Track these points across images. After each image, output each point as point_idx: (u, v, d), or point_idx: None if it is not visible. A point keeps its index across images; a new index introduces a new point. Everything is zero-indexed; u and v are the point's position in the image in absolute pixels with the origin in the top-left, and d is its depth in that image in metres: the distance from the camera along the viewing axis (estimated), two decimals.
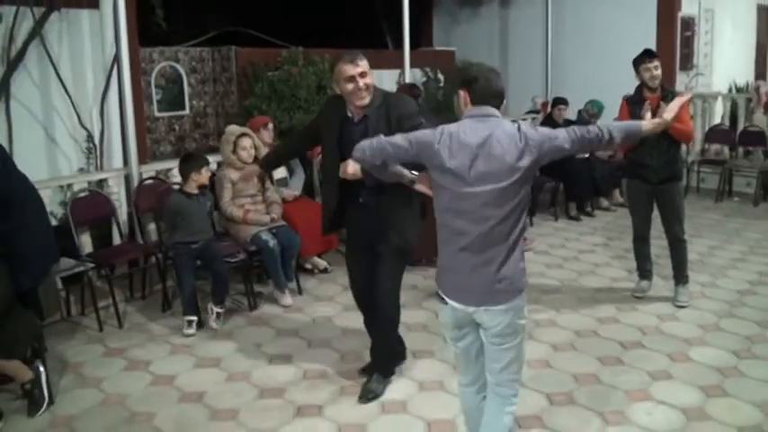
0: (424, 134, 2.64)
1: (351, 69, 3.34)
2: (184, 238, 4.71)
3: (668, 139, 4.68)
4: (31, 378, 3.64)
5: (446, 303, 2.63)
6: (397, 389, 3.83)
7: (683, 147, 8.40)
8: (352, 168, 3.07)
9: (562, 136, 2.53)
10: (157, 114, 8.10)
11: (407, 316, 4.91)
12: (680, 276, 5.06)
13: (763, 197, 8.41)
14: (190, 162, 4.80)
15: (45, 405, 3.64)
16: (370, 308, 3.78)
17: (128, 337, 4.63)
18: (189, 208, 4.74)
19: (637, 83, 4.90)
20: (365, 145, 2.80)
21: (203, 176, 4.85)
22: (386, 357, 3.87)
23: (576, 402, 3.61)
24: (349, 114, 3.50)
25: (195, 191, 4.81)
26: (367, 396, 3.70)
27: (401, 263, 3.66)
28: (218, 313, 4.80)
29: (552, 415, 3.50)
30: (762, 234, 6.94)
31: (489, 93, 2.56)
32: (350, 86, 3.35)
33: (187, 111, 8.52)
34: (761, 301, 5.06)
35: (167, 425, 3.50)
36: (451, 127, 2.56)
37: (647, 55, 4.74)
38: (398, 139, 2.71)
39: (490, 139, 2.47)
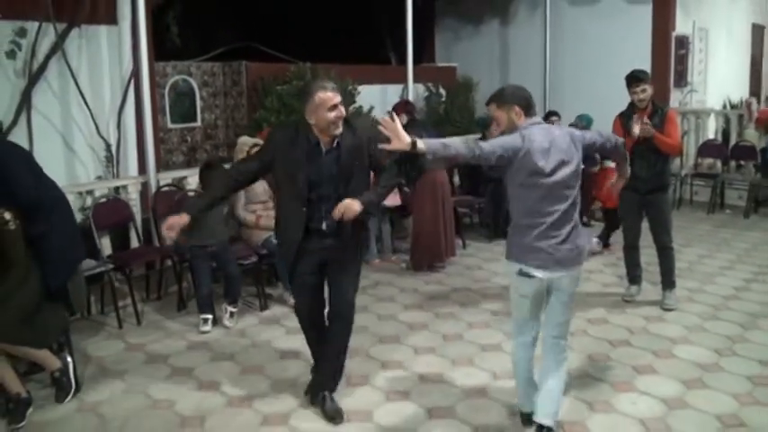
0: (511, 141, 3.14)
1: (333, 98, 3.33)
2: (201, 241, 5.01)
3: (657, 152, 5.01)
4: (59, 367, 3.92)
5: (532, 277, 3.17)
6: (407, 379, 4.10)
7: (677, 160, 8.78)
8: (358, 207, 3.38)
9: (590, 135, 3.42)
10: (170, 126, 8.44)
11: (410, 317, 5.23)
12: (667, 282, 5.34)
13: (754, 209, 8.69)
14: (211, 170, 5.08)
15: (72, 392, 3.92)
16: (320, 325, 3.82)
17: (146, 334, 4.92)
18: (206, 214, 5.02)
19: (629, 99, 5.20)
20: (437, 147, 3.06)
21: None
22: (339, 372, 3.84)
23: (566, 393, 3.87)
24: (320, 144, 3.46)
25: None
26: (340, 416, 3.67)
27: (359, 274, 3.85)
28: (231, 312, 5.09)
29: None
30: (750, 244, 7.22)
31: (533, 106, 3.28)
32: (332, 115, 3.33)
33: (199, 123, 8.85)
34: (744, 306, 5.34)
35: (188, 411, 3.78)
36: (525, 134, 3.14)
37: (633, 80, 5.01)
38: (486, 145, 3.12)
39: (554, 137, 3.17)
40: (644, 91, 4.98)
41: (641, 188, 5.11)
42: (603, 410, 3.72)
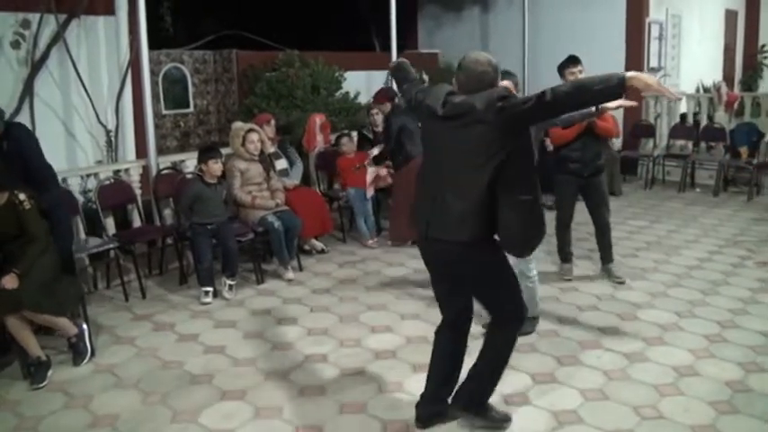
0: None
1: None
2: (202, 219, 5.39)
3: (595, 136, 5.38)
4: (77, 333, 4.28)
5: None
6: (394, 341, 4.51)
7: (650, 142, 9.20)
8: None
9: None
10: (164, 112, 8.74)
11: (399, 287, 5.61)
12: (609, 257, 5.72)
13: (723, 188, 9.16)
14: (207, 152, 5.49)
15: (88, 356, 4.29)
16: None
17: (151, 306, 5.28)
18: (207, 194, 5.40)
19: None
20: None
21: (212, 167, 5.47)
22: None
23: (537, 350, 4.29)
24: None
25: (213, 180, 5.45)
26: None
27: None
28: (230, 285, 5.47)
29: (517, 360, 4.17)
30: (717, 220, 7.68)
31: None
32: None
33: (191, 109, 9.16)
34: (706, 275, 5.78)
35: (197, 369, 4.16)
36: None
37: (571, 61, 5.24)
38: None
39: None
40: (581, 71, 5.18)
41: (583, 172, 5.39)
42: (570, 364, 4.14)
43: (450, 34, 12.62)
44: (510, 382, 3.80)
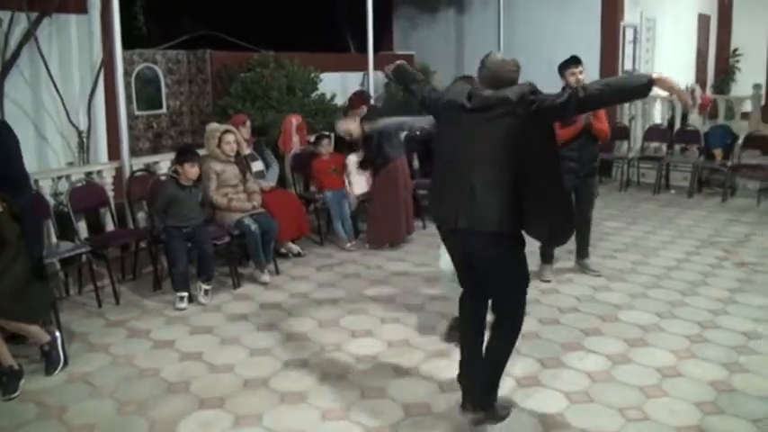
0: None
1: None
2: (177, 223, 5.28)
3: (592, 137, 5.47)
4: (49, 341, 4.14)
5: None
6: (376, 346, 4.44)
7: (624, 144, 9.27)
8: None
9: None
10: (137, 113, 8.58)
11: (379, 290, 5.55)
12: (586, 253, 5.84)
13: (698, 189, 9.24)
14: (184, 155, 5.37)
15: (62, 364, 4.15)
16: None
17: (125, 312, 5.15)
18: (181, 197, 5.29)
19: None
20: None
21: (187, 171, 5.35)
22: None
23: (519, 353, 4.23)
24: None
25: (188, 183, 5.34)
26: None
27: None
28: (206, 290, 5.35)
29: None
30: (692, 221, 7.74)
31: None
32: None
33: (164, 110, 9.01)
34: (685, 276, 5.80)
35: (173, 377, 4.05)
36: None
37: (572, 61, 5.34)
38: None
39: None
40: (581, 72, 5.30)
41: (580, 172, 5.47)
42: (554, 366, 4.11)
43: (426, 35, 12.62)
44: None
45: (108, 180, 5.94)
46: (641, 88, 2.92)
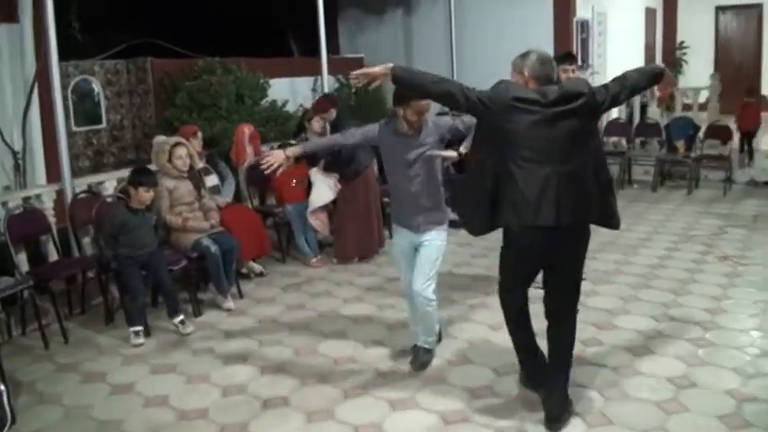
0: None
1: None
2: (129, 252, 4.72)
3: None
4: None
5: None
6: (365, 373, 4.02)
7: None
8: None
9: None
10: (75, 129, 7.93)
11: (354, 309, 5.15)
12: None
13: (661, 183, 9.14)
14: (139, 176, 4.80)
15: (9, 423, 3.59)
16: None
17: (76, 352, 4.58)
18: (134, 222, 4.75)
19: None
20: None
21: (141, 195, 4.77)
22: None
23: (517, 371, 3.88)
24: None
25: (140, 206, 4.80)
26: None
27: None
28: (181, 321, 4.86)
29: (502, 385, 3.82)
30: (663, 215, 7.59)
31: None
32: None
33: (104, 124, 8.39)
34: (672, 274, 5.60)
35: (138, 428, 3.55)
36: None
37: (566, 58, 5.12)
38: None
39: None
40: (574, 71, 5.06)
41: None
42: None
43: (373, 38, 12.26)
44: (498, 412, 3.50)
45: (48, 204, 5.37)
46: (654, 79, 3.43)
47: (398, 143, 3.85)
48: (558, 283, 3.42)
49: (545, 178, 3.14)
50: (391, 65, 3.33)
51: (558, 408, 3.37)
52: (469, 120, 3.76)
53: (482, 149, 3.39)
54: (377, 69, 3.36)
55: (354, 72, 3.42)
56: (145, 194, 4.75)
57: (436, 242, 3.90)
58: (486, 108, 3.20)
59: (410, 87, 3.42)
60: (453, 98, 3.24)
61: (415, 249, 3.94)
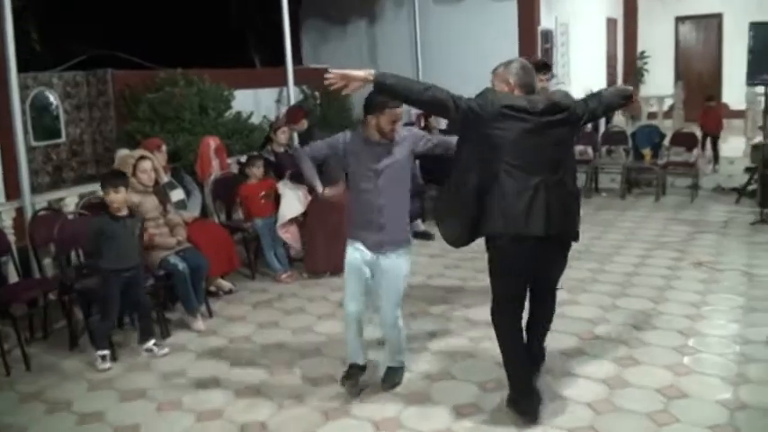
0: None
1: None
2: (112, 265, 4.45)
3: None
4: None
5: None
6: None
7: None
8: None
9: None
10: (33, 143, 7.63)
11: (329, 325, 5.00)
12: None
13: (628, 190, 9.19)
14: (107, 179, 4.56)
15: None
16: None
17: (40, 379, 4.32)
18: (112, 229, 4.49)
19: None
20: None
21: (112, 197, 4.50)
22: None
23: (505, 387, 3.78)
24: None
25: (121, 213, 4.57)
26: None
27: None
28: (155, 345, 4.66)
29: (485, 401, 3.72)
30: (633, 223, 7.62)
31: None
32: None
33: (63, 138, 8.10)
34: (648, 281, 5.59)
35: None
36: None
37: (543, 67, 5.00)
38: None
39: None
40: (548, 79, 5.04)
41: None
42: (549, 399, 3.66)
43: (337, 48, 12.18)
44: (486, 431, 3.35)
45: (7, 223, 5.13)
46: (624, 99, 3.61)
47: (368, 151, 3.68)
48: (540, 291, 3.59)
49: (534, 187, 3.13)
50: (373, 71, 3.20)
51: (538, 405, 3.49)
52: (448, 141, 3.74)
53: (466, 150, 3.33)
54: (358, 73, 3.20)
55: (333, 71, 3.23)
56: (114, 195, 4.49)
57: (400, 271, 3.73)
58: (476, 115, 3.14)
59: (394, 95, 3.28)
60: (443, 105, 3.15)
61: (370, 270, 3.73)
